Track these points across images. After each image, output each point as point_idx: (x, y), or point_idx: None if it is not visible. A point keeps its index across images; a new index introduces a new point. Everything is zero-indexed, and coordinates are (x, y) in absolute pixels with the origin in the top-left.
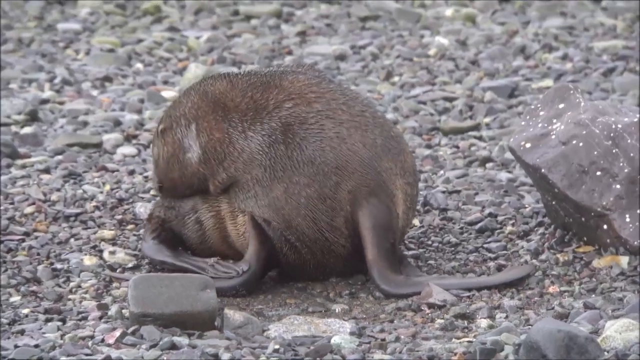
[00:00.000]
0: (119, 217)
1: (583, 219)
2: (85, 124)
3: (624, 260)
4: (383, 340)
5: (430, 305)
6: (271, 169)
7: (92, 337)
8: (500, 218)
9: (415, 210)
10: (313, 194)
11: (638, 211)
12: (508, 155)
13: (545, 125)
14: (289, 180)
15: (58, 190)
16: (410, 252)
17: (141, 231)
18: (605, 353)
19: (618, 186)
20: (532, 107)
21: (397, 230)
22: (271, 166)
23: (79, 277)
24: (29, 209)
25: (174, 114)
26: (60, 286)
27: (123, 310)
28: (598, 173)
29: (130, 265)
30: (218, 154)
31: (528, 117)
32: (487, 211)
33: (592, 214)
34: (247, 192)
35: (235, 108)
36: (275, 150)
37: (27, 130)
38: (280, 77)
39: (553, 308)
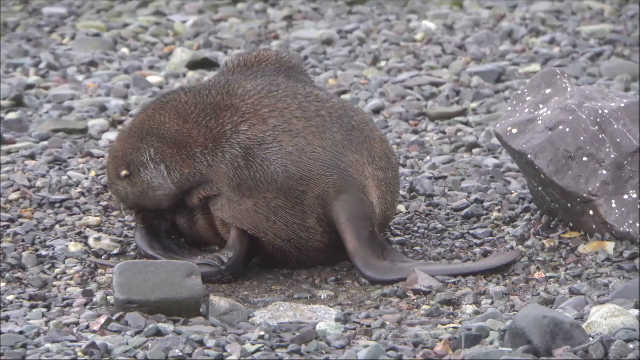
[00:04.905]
0: (105, 203)
1: (569, 205)
2: (70, 109)
3: (609, 246)
4: (368, 326)
5: (416, 292)
6: (238, 189)
7: (77, 323)
8: (486, 204)
9: (397, 192)
10: (282, 204)
11: (625, 197)
12: (494, 141)
13: (532, 110)
14: (257, 197)
15: (43, 176)
16: (396, 239)
17: (127, 217)
18: (591, 339)
19: (604, 172)
20: (519, 92)
21: (374, 218)
22: (238, 187)
23: (64, 263)
24: (13, 195)
25: (137, 160)
26: (45, 273)
27: (108, 297)
28: (584, 159)
29: (115, 252)
30: (191, 184)
31: (515, 103)
32: (473, 197)
33: (579, 199)
34: (218, 204)
35: (195, 143)
36: (240, 175)
37: (12, 115)
38: (229, 94)
39: (539, 294)
